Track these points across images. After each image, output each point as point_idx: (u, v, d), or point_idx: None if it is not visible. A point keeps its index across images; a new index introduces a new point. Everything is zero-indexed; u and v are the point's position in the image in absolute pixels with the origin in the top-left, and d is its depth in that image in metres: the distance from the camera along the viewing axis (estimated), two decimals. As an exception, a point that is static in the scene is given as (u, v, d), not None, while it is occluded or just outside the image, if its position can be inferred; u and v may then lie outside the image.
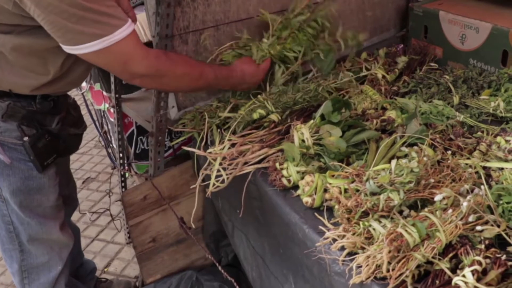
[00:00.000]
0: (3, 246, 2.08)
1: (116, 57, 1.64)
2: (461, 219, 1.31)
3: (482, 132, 1.81)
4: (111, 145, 3.22)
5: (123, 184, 2.90)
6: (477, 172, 1.54)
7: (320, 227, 1.48)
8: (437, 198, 1.36)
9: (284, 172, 1.69)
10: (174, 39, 2.04)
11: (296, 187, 1.69)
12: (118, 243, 3.20)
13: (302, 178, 1.66)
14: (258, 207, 1.90)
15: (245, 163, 1.81)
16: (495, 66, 2.30)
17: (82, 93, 3.01)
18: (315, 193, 1.58)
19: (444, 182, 1.44)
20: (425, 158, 1.46)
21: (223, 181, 1.74)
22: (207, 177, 1.82)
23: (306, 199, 1.60)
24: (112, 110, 2.72)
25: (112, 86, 2.55)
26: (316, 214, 1.57)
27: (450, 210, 1.34)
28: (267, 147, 1.84)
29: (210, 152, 1.82)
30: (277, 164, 1.72)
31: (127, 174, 3.07)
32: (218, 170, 1.76)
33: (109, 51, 1.59)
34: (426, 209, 1.36)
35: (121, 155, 2.80)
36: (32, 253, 2.09)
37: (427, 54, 2.54)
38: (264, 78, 2.15)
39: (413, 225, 1.28)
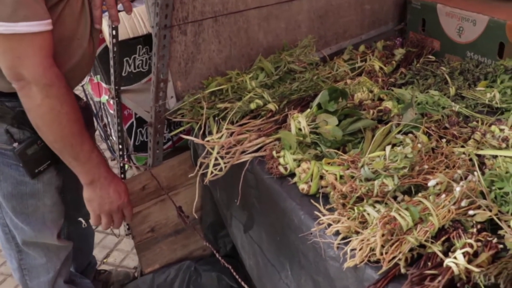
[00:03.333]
0: (2, 244, 2.07)
1: (11, 47, 1.47)
2: (454, 203, 1.33)
3: (477, 121, 1.83)
4: (110, 138, 3.24)
5: (122, 176, 2.92)
6: (471, 160, 1.56)
7: (316, 213, 1.50)
8: (431, 183, 1.38)
9: (281, 160, 1.71)
10: (172, 30, 2.06)
11: (292, 174, 1.70)
12: (117, 234, 3.22)
13: (299, 165, 1.68)
14: (255, 196, 1.92)
15: (243, 152, 1.83)
16: (492, 58, 2.32)
17: (82, 86, 3.04)
18: (311, 180, 1.60)
19: (438, 169, 1.46)
20: (419, 145, 1.48)
21: (221, 170, 1.76)
22: (206, 167, 1.84)
23: (302, 186, 1.62)
24: (111, 102, 2.74)
25: (112, 78, 2.57)
26: (312, 200, 1.59)
27: (443, 195, 1.36)
28: (264, 136, 1.86)
29: (208, 141, 1.83)
30: (274, 152, 1.74)
31: (126, 166, 3.09)
32: (216, 159, 1.78)
33: (5, 38, 1.44)
34: (419, 194, 1.38)
35: (120, 146, 2.81)
36: (30, 254, 2.07)
37: (424, 47, 2.56)
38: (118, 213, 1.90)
39: (407, 209, 1.30)
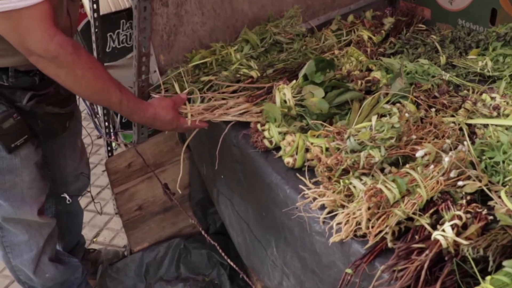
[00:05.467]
0: None
1: (13, 26, 1.47)
2: (443, 174, 1.29)
3: (468, 90, 1.78)
4: (97, 115, 3.17)
5: (109, 154, 2.86)
6: (461, 129, 1.51)
7: (301, 186, 1.45)
8: (419, 154, 1.33)
9: (266, 133, 1.66)
10: (153, 1, 1.98)
11: (278, 148, 1.66)
12: (107, 213, 3.17)
13: (284, 139, 1.63)
14: (241, 171, 1.87)
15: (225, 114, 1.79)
16: (484, 25, 2.25)
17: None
18: (296, 153, 1.55)
19: (426, 139, 1.41)
20: (406, 114, 1.43)
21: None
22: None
23: (288, 160, 1.57)
24: (95, 78, 2.67)
25: (95, 54, 2.49)
26: (297, 174, 1.55)
27: (431, 166, 1.31)
28: (248, 102, 1.80)
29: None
30: (258, 125, 1.69)
31: (114, 144, 3.03)
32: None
33: (5, 17, 1.44)
34: (407, 166, 1.34)
35: (106, 124, 2.75)
36: (11, 231, 2.04)
37: (414, 16, 2.49)
38: (181, 131, 1.94)
39: (393, 181, 1.26)
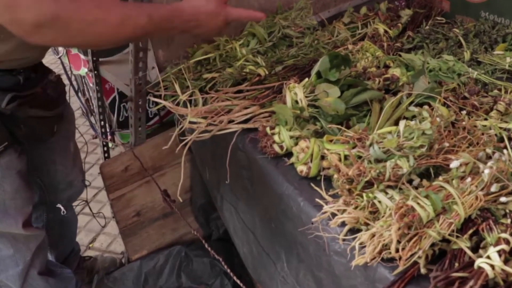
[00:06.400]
0: None
1: None
2: (482, 189, 1.12)
3: (499, 90, 1.61)
4: (94, 114, 3.01)
5: (106, 155, 2.70)
6: (496, 135, 1.35)
7: (317, 200, 1.29)
8: (454, 164, 1.16)
9: (276, 138, 1.49)
10: (151, -10, 1.82)
11: (289, 154, 1.49)
12: (104, 216, 3.01)
13: (296, 144, 1.47)
14: (248, 177, 1.71)
15: (230, 121, 1.62)
16: (510, 18, 2.07)
17: (59, 57, 2.79)
18: (311, 161, 1.38)
19: (460, 146, 1.24)
20: (438, 119, 1.26)
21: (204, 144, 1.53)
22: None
23: (301, 168, 1.40)
24: (91, 74, 2.50)
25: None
26: (312, 184, 1.38)
27: (468, 179, 1.14)
28: (258, 105, 1.63)
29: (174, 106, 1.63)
30: (267, 129, 1.52)
31: (110, 144, 2.87)
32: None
33: None
34: (440, 178, 1.17)
35: (102, 123, 2.59)
36: None
37: (433, 8, 2.31)
38: (227, 23, 1.64)
39: (426, 196, 1.09)
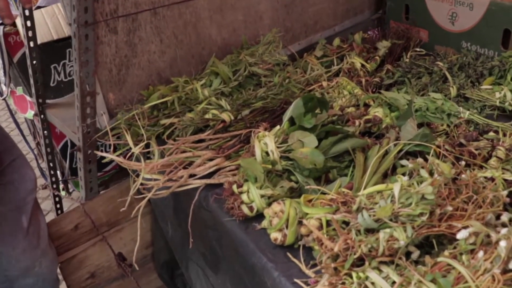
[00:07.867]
0: None
1: None
2: (499, 266, 0.91)
3: (495, 132, 1.42)
4: (42, 160, 2.73)
5: (58, 206, 2.42)
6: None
7: (296, 281, 1.06)
8: (461, 235, 0.95)
9: (244, 197, 1.27)
10: (98, 27, 1.59)
11: (260, 215, 1.27)
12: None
13: (269, 204, 1.25)
14: (216, 238, 1.47)
15: (192, 175, 1.39)
16: (494, 49, 1.92)
17: (4, 99, 2.52)
18: (286, 227, 1.16)
19: (464, 209, 1.03)
20: (438, 177, 1.05)
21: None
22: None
23: (275, 235, 1.18)
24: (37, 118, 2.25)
25: (33, 90, 2.07)
26: (289, 254, 1.16)
27: (480, 253, 0.93)
28: (221, 156, 1.41)
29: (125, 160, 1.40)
30: (234, 187, 1.30)
31: (63, 193, 2.59)
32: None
33: None
34: (446, 253, 0.95)
35: (52, 172, 2.32)
36: None
37: (411, 38, 2.15)
38: None
39: (433, 281, 0.87)
